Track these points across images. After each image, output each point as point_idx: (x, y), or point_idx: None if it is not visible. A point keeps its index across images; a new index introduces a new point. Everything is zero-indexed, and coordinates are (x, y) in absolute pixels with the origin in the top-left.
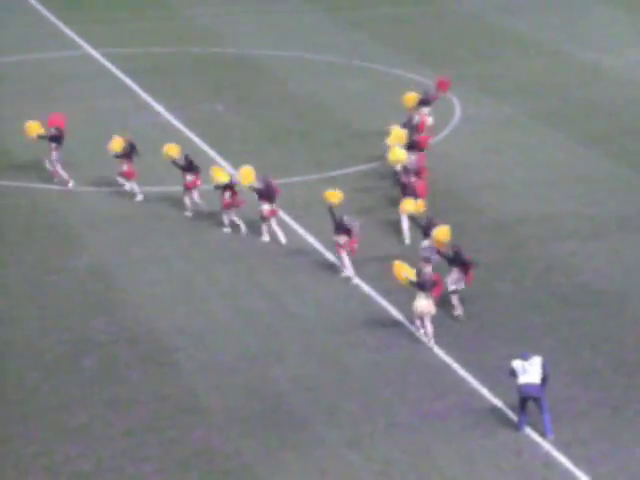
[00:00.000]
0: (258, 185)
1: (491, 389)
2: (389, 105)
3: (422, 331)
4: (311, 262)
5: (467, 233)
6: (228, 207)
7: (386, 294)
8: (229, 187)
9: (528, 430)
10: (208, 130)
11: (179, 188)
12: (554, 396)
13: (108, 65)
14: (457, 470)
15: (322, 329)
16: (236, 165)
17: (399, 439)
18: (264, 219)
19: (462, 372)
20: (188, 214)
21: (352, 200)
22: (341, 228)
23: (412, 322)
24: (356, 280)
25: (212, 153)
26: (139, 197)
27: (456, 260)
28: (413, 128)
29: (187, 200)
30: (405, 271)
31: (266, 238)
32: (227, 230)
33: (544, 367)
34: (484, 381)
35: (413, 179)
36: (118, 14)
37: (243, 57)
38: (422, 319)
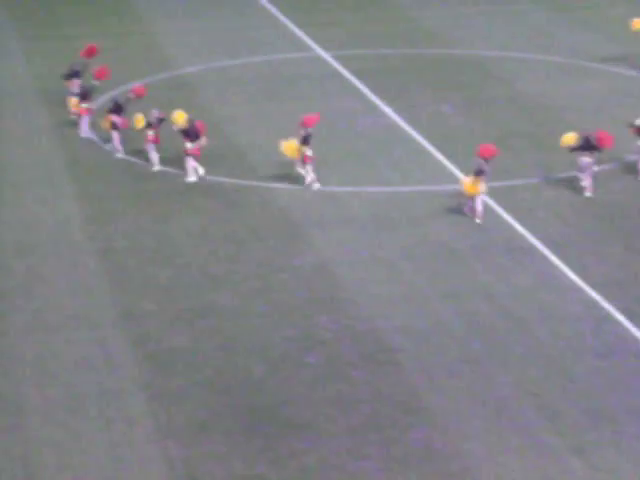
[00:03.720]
0: (184, 126)
1: None
2: (620, 107)
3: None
4: (535, 265)
5: None
6: (153, 142)
7: (612, 299)
8: (151, 127)
9: None
10: (434, 131)
11: (405, 189)
12: None
13: (338, 67)
14: None
15: (546, 333)
16: (461, 166)
17: (625, 448)
18: (187, 155)
19: None
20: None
21: (573, 203)
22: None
23: None
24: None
25: (438, 154)
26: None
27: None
28: None
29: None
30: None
31: (192, 178)
32: (157, 168)
33: None
34: None
35: None
36: (348, 16)
37: (470, 58)
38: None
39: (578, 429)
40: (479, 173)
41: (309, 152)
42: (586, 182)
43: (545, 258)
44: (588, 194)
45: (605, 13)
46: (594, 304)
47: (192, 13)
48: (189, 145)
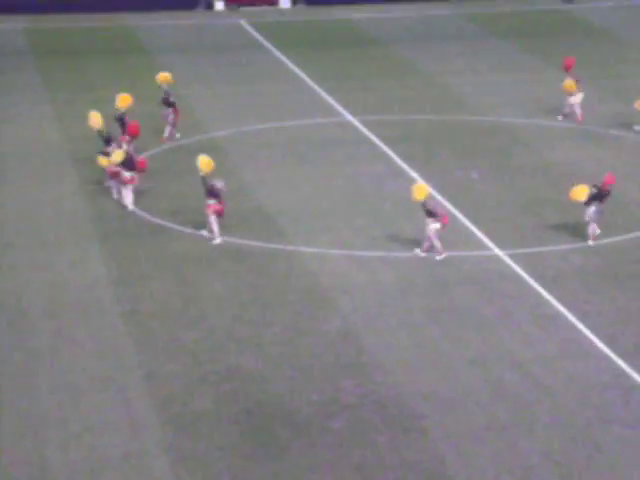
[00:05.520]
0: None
1: None
2: None
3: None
4: (562, 333)
5: None
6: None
7: None
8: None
9: None
10: (462, 197)
11: (432, 254)
12: None
13: (366, 132)
14: None
15: (573, 402)
16: (489, 233)
17: None
18: (124, 184)
19: None
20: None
21: (600, 271)
22: (212, 193)
23: None
24: (218, 240)
25: (465, 220)
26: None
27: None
28: None
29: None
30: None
31: (131, 206)
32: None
33: None
34: None
35: None
36: (376, 82)
37: (499, 125)
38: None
39: None
40: (431, 214)
41: (128, 174)
42: (592, 230)
43: (572, 326)
44: (591, 243)
45: (634, 83)
46: (622, 373)
47: (223, 77)
48: (127, 175)
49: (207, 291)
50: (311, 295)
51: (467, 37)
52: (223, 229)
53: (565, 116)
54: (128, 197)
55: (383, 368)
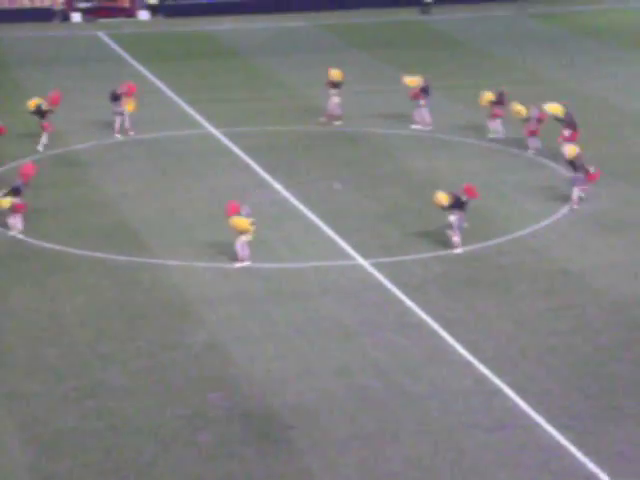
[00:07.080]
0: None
1: (611, 474)
2: (505, 184)
3: None
4: (425, 340)
5: (585, 314)
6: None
7: (501, 374)
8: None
9: None
10: (324, 207)
11: (296, 265)
12: None
13: (228, 143)
14: None
15: (437, 408)
16: (351, 242)
17: None
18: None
19: (580, 456)
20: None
21: (462, 278)
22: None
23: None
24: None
25: (328, 230)
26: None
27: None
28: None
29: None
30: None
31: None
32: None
33: None
34: (603, 465)
35: None
36: (237, 94)
37: (360, 135)
38: None
39: None
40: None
41: None
42: (456, 238)
43: (435, 333)
44: (458, 251)
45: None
46: (484, 379)
47: (82, 90)
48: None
49: (69, 306)
50: (176, 308)
51: (326, 48)
52: (87, 243)
53: (330, 117)
54: None
55: (250, 380)
